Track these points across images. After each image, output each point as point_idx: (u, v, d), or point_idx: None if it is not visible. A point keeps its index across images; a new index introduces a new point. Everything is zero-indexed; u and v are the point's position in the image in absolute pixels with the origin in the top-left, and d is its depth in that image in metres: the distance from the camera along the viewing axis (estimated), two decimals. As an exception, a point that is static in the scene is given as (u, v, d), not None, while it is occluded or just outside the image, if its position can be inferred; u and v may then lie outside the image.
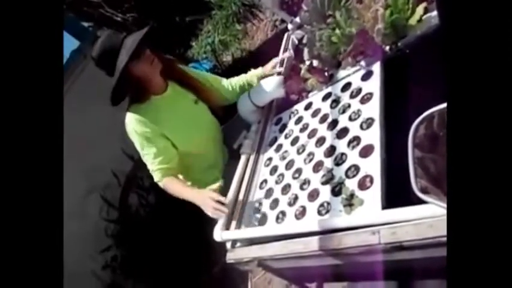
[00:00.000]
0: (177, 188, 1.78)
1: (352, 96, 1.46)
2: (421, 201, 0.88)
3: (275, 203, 1.46)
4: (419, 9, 1.35)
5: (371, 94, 1.37)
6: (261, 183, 1.63)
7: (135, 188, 3.25)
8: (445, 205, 0.80)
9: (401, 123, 1.02)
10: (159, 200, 3.11)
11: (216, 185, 1.63)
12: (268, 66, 2.07)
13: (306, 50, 1.84)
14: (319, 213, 1.24)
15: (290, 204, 1.38)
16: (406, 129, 0.95)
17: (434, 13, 1.32)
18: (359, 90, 1.44)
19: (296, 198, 1.38)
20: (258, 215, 1.49)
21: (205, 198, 1.54)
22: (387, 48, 1.43)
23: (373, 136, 1.23)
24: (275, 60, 2.07)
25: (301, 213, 1.31)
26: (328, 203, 1.23)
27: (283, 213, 1.39)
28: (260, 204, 1.54)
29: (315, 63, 1.73)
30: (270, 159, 1.69)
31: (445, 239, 0.86)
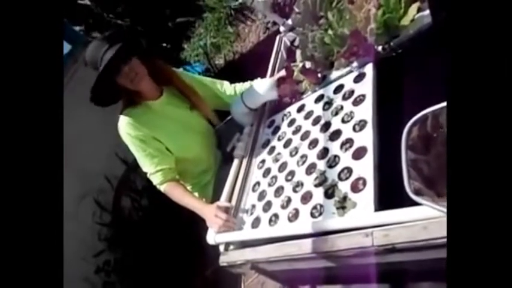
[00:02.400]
0: (180, 195, 1.76)
1: (344, 98, 1.46)
2: (414, 203, 0.88)
3: (268, 206, 1.46)
4: (412, 9, 1.36)
5: (363, 96, 1.37)
6: (254, 185, 1.63)
7: (127, 192, 3.23)
8: (438, 207, 0.80)
9: (394, 125, 1.02)
10: (152, 203, 3.10)
11: (225, 203, 1.59)
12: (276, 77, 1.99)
13: (298, 52, 1.84)
14: (312, 215, 1.24)
15: (283, 207, 1.38)
16: (399, 131, 0.95)
17: (427, 12, 1.33)
18: (351, 92, 1.44)
19: (289, 200, 1.38)
20: (251, 218, 1.49)
21: (212, 216, 1.53)
22: (380, 48, 1.43)
23: (366, 138, 1.24)
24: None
25: (294, 216, 1.30)
26: (321, 206, 1.23)
27: (276, 215, 1.38)
28: (253, 206, 1.53)
29: (308, 64, 1.73)
30: (263, 161, 1.69)
31: (438, 241, 0.87)
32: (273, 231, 1.33)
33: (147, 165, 1.78)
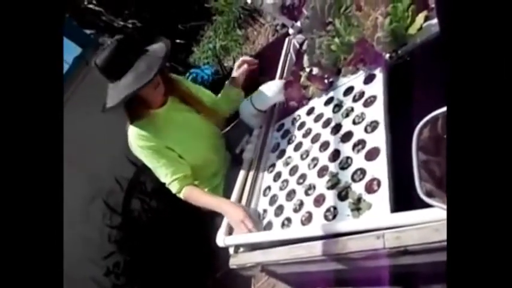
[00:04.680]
0: (200, 197, 1.76)
1: (355, 100, 1.45)
2: (426, 205, 0.87)
3: (280, 210, 1.44)
4: (420, 18, 1.34)
5: (374, 97, 1.36)
6: (265, 190, 1.62)
7: (137, 194, 3.24)
8: (450, 208, 0.79)
9: (406, 126, 1.01)
10: (162, 205, 3.11)
11: (252, 216, 1.53)
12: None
13: (306, 57, 1.83)
14: (326, 218, 1.23)
15: (295, 211, 1.37)
16: (411, 132, 0.94)
17: (435, 21, 1.31)
18: (362, 94, 1.43)
19: (301, 204, 1.36)
20: (263, 222, 1.48)
21: (239, 220, 1.49)
22: (387, 56, 1.42)
23: (379, 139, 1.22)
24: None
25: (307, 219, 1.29)
26: (335, 208, 1.22)
27: (288, 219, 1.37)
28: (265, 211, 1.52)
29: (315, 70, 1.73)
30: (273, 165, 1.67)
31: (450, 243, 0.86)
32: (282, 234, 1.32)
33: (162, 176, 1.78)
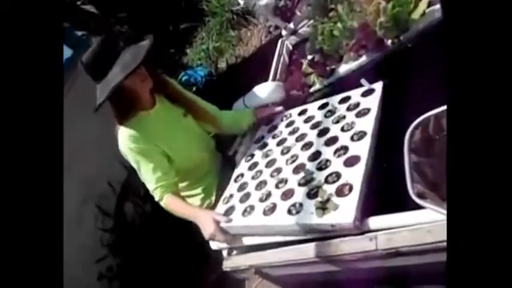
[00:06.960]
0: (180, 207, 1.72)
1: (349, 109, 1.46)
2: (418, 207, 0.87)
3: (246, 197, 1.48)
4: (423, 3, 1.35)
5: (368, 110, 1.37)
6: (237, 176, 1.65)
7: (130, 197, 3.22)
8: (442, 210, 0.79)
9: (396, 134, 1.01)
10: (155, 208, 3.08)
11: (221, 217, 1.51)
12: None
13: (307, 45, 1.84)
14: (289, 212, 1.24)
15: (261, 200, 1.39)
16: (400, 144, 0.95)
17: (438, 6, 1.31)
18: (357, 105, 1.44)
19: (269, 195, 1.39)
20: (226, 206, 1.51)
21: (208, 220, 1.49)
22: (389, 42, 1.43)
23: (362, 148, 1.23)
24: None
25: (270, 210, 1.31)
26: (301, 204, 1.23)
27: (251, 207, 1.40)
28: (231, 196, 1.55)
29: (317, 57, 1.74)
30: (251, 155, 1.71)
31: (443, 244, 0.86)
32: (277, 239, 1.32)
33: (147, 181, 1.76)
